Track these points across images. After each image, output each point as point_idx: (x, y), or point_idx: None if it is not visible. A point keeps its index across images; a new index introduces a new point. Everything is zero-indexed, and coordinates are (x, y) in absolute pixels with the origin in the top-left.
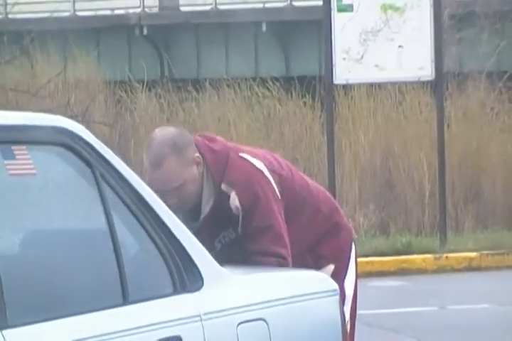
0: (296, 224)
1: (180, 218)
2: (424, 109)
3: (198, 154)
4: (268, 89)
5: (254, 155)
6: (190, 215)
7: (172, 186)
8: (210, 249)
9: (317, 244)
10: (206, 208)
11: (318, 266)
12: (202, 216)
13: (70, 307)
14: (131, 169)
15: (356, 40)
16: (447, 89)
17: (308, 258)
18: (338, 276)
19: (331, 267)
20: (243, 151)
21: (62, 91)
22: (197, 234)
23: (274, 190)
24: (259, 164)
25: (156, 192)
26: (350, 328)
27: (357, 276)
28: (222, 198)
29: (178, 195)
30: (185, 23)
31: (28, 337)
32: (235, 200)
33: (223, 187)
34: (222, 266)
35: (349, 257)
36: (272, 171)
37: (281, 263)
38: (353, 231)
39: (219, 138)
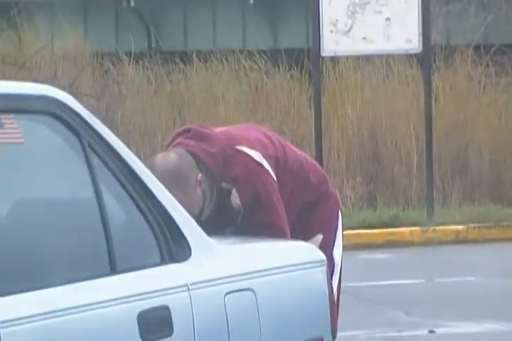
0: (288, 197)
1: None
2: (412, 82)
3: (200, 174)
4: (255, 61)
5: (250, 144)
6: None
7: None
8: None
9: (305, 215)
10: (207, 211)
11: (306, 236)
12: (202, 217)
13: (57, 276)
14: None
15: (344, 13)
16: (434, 62)
17: (296, 229)
18: (327, 246)
19: (320, 237)
20: (239, 142)
21: (49, 63)
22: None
23: (273, 179)
24: (256, 155)
25: None
26: (337, 297)
27: (343, 245)
28: (224, 196)
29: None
30: None
31: (13, 306)
32: (235, 198)
33: (224, 185)
34: (210, 237)
35: (336, 226)
36: (268, 157)
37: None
38: (339, 200)
39: (212, 132)
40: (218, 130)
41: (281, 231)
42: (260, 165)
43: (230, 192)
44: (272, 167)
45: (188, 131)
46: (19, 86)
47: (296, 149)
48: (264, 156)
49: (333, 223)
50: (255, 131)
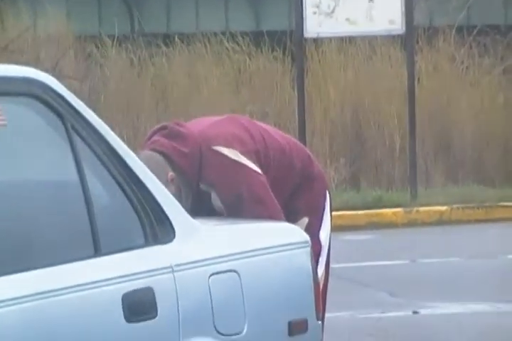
0: (272, 187)
1: None
2: (395, 63)
3: (170, 173)
4: (238, 44)
5: (227, 143)
6: None
7: None
8: None
9: (291, 199)
10: (186, 205)
11: (292, 220)
12: None
13: (41, 258)
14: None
15: None
16: (417, 43)
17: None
18: (313, 228)
19: (305, 220)
20: (215, 142)
21: (32, 46)
22: None
23: (254, 171)
24: (233, 153)
25: None
26: (325, 279)
27: (331, 226)
28: (203, 195)
29: None
30: None
31: None
32: (216, 201)
33: (202, 186)
34: (193, 218)
35: (323, 208)
36: (246, 152)
37: None
38: (327, 181)
39: (187, 130)
40: (195, 128)
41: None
42: (237, 162)
43: (209, 195)
44: (253, 161)
45: (164, 128)
46: (2, 68)
47: (278, 134)
48: (243, 152)
49: (319, 205)
50: (233, 126)
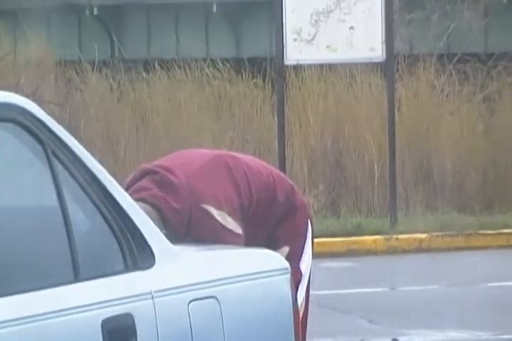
0: (256, 223)
1: None
2: (375, 90)
3: (163, 232)
4: (218, 70)
5: (217, 203)
6: None
7: None
8: None
9: (273, 230)
10: None
11: (273, 248)
12: None
13: (20, 284)
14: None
15: (307, 21)
16: (398, 70)
17: (264, 243)
18: (294, 257)
19: (286, 249)
20: (205, 200)
21: (12, 70)
22: None
23: (238, 235)
24: (222, 216)
25: None
26: (305, 306)
27: (312, 254)
28: None
29: None
30: (136, 3)
31: None
32: None
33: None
34: (173, 245)
35: (305, 237)
36: (233, 212)
37: None
38: (308, 209)
39: (177, 178)
40: (183, 172)
41: None
42: (225, 228)
43: None
44: (238, 218)
45: (155, 172)
46: None
47: (260, 165)
48: (230, 212)
49: (301, 235)
50: (220, 175)
